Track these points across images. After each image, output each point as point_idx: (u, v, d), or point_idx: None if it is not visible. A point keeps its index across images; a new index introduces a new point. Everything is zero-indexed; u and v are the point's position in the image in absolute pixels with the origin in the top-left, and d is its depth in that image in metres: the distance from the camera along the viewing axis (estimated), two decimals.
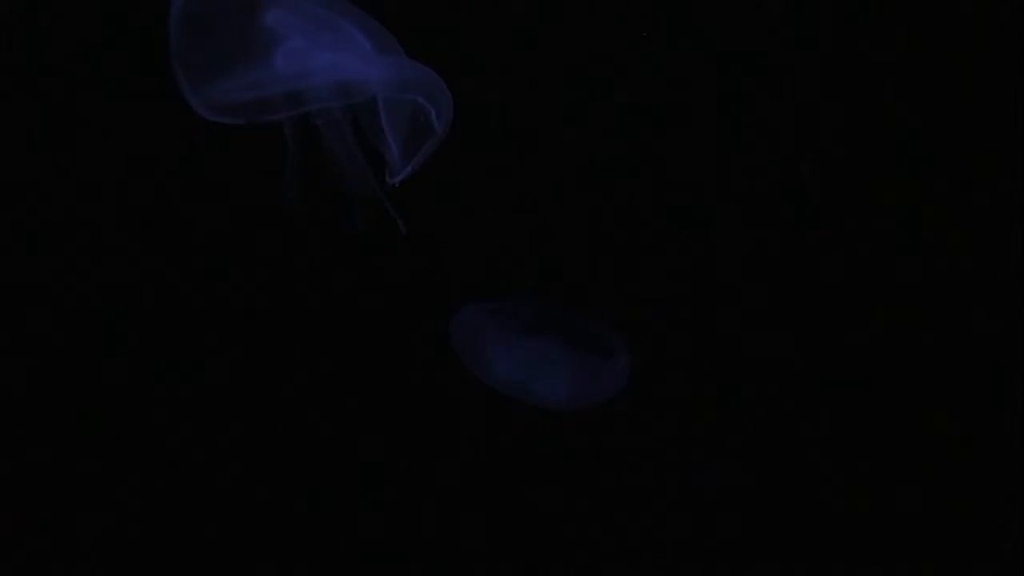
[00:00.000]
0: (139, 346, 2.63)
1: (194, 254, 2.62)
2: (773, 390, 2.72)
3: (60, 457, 2.64)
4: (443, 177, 2.43)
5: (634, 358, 2.64)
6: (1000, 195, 2.76)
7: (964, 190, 2.77)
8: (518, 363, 2.61)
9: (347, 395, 2.68)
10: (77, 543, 2.65)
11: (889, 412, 2.74)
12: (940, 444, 2.73)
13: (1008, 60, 2.75)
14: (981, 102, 2.76)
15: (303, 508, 2.67)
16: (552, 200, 2.67)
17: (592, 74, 2.69)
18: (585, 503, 2.70)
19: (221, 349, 2.64)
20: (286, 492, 2.68)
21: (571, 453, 2.69)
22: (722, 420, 2.72)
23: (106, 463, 2.64)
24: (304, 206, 2.41)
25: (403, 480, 2.69)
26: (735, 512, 2.71)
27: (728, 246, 2.73)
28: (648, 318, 2.71)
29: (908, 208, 2.75)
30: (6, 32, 2.58)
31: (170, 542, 2.68)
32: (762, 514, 2.72)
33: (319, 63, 2.24)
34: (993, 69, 2.75)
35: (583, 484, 2.70)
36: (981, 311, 2.76)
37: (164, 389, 2.63)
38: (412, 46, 2.38)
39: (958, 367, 2.74)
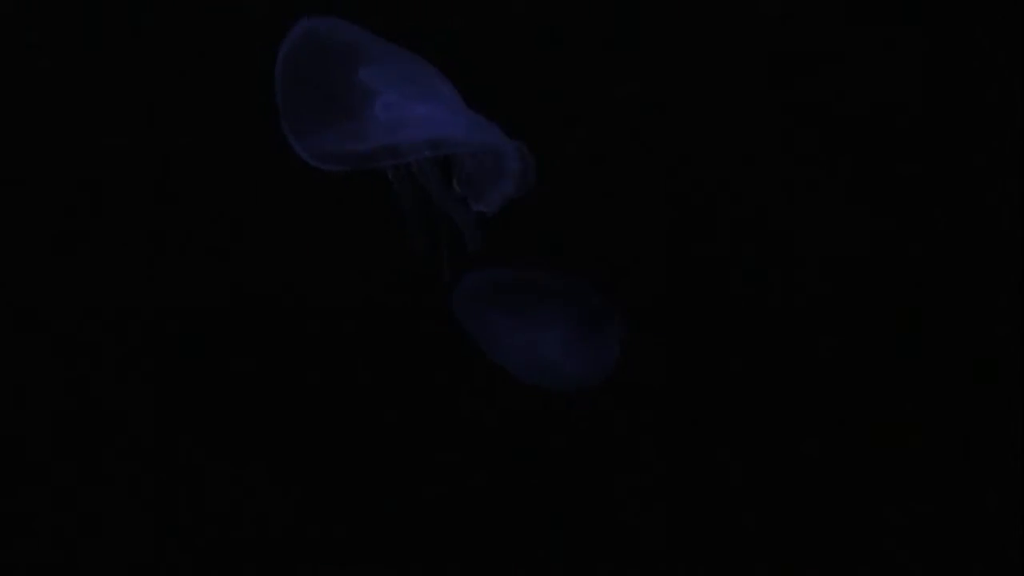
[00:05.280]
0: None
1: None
2: (769, 381, 2.75)
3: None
4: None
5: (632, 330, 2.67)
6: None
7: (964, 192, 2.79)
8: (520, 338, 2.63)
9: (356, 380, 2.74)
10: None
11: (887, 409, 2.76)
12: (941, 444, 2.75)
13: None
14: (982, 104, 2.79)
15: (316, 488, 2.72)
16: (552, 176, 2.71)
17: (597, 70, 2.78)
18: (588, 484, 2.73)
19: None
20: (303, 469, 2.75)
21: (577, 432, 2.73)
22: (721, 408, 2.75)
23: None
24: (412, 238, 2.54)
25: (409, 463, 2.73)
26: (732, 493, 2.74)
27: (727, 230, 2.76)
28: (646, 291, 2.75)
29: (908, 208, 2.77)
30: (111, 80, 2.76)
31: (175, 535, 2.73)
32: (761, 503, 2.74)
33: (413, 115, 2.40)
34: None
35: (587, 465, 2.74)
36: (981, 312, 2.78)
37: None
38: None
39: (957, 366, 2.75)
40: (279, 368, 2.76)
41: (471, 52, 2.66)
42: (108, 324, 2.76)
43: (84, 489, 2.73)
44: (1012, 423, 2.76)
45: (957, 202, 2.80)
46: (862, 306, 2.78)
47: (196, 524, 2.73)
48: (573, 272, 2.64)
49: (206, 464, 2.73)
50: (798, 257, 2.78)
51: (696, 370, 2.76)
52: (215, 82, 2.76)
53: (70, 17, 2.76)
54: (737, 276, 2.78)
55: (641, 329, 2.71)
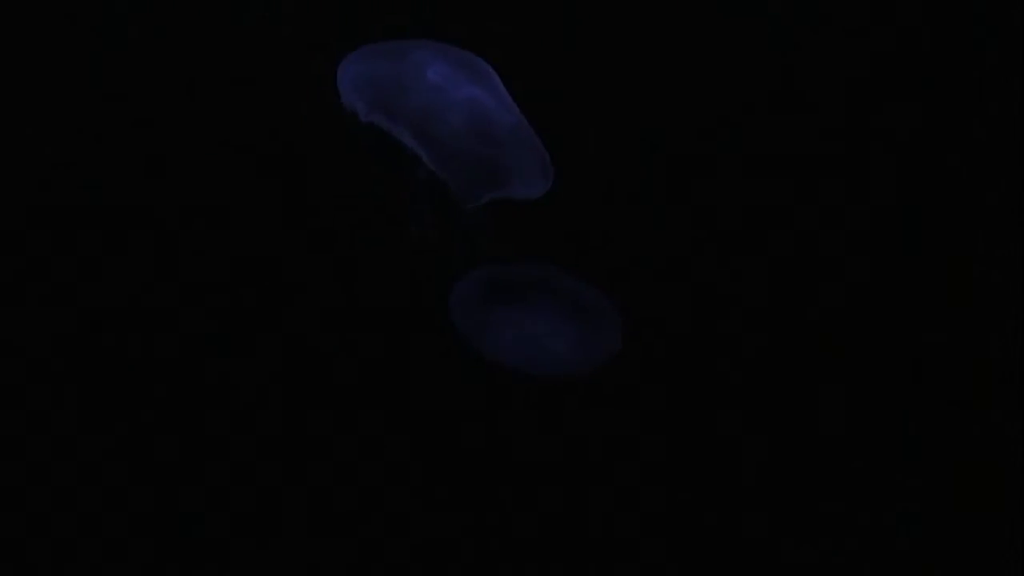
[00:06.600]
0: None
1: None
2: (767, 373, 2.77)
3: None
4: None
5: (627, 320, 2.68)
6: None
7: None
8: (516, 330, 2.65)
9: (357, 376, 2.76)
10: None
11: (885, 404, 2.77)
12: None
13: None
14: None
15: (311, 482, 2.74)
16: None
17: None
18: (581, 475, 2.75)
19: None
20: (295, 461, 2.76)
21: (571, 423, 2.74)
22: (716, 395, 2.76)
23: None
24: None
25: (404, 459, 2.74)
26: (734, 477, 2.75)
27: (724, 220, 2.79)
28: (640, 281, 2.76)
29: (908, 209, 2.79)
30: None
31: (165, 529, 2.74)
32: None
33: (462, 93, 2.49)
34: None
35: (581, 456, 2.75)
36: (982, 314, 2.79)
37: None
38: None
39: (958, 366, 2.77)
40: (278, 364, 2.76)
41: (481, 54, 2.68)
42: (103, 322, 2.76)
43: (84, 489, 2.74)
44: (1011, 423, 2.77)
45: (956, 202, 2.81)
46: (861, 305, 2.79)
47: (197, 521, 2.73)
48: (573, 270, 2.66)
49: (204, 460, 2.74)
50: (797, 256, 2.78)
51: (694, 367, 2.77)
52: (216, 81, 2.78)
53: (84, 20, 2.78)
54: (736, 275, 2.79)
55: (640, 325, 2.72)
